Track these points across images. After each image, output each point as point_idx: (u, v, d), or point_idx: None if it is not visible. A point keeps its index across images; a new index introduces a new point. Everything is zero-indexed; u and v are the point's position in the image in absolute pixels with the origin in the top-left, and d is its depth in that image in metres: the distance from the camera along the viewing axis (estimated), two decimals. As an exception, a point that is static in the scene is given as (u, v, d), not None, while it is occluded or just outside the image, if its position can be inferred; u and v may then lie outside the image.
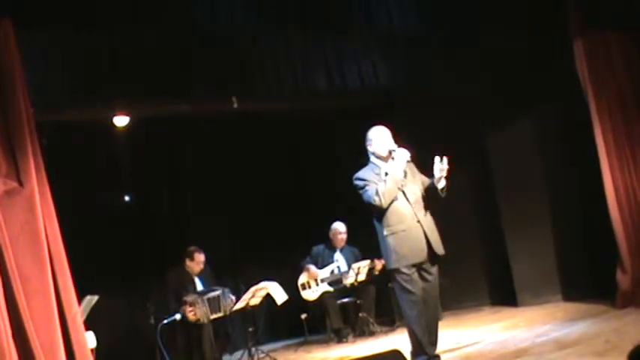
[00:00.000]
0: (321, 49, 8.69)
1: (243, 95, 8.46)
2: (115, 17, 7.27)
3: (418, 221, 6.24)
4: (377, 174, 6.27)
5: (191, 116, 9.16)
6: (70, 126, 8.27)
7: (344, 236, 9.72)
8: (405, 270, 6.17)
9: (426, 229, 6.26)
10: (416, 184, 6.38)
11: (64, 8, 6.93)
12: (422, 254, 6.21)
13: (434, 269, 6.34)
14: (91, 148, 9.11)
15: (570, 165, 8.81)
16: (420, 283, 6.24)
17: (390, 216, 6.21)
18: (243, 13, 8.12)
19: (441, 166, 6.23)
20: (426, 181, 6.43)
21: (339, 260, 9.69)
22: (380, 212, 6.22)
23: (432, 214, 6.50)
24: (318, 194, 10.46)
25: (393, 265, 6.24)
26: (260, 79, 8.33)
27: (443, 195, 6.33)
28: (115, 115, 8.52)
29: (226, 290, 8.44)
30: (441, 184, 6.29)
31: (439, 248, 6.32)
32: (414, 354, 6.23)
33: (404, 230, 6.20)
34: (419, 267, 6.24)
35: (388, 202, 6.16)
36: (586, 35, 7.77)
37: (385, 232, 6.23)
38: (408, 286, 6.17)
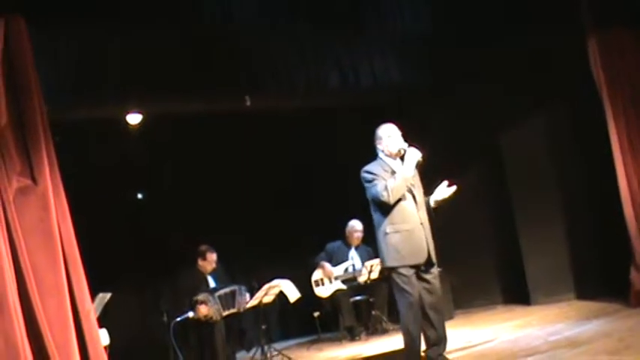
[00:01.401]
0: (334, 48, 8.69)
1: (255, 93, 8.46)
2: (127, 15, 7.28)
3: (421, 223, 6.21)
4: (386, 171, 6.24)
5: (204, 114, 9.18)
6: (83, 124, 8.29)
7: (360, 235, 9.71)
8: (403, 271, 6.11)
9: (426, 232, 6.23)
10: (420, 188, 6.37)
11: (77, 6, 6.95)
12: (422, 256, 6.17)
13: (433, 270, 6.28)
14: (103, 146, 9.15)
15: (583, 163, 8.80)
16: (418, 286, 6.20)
17: (396, 214, 6.16)
18: (255, 11, 8.12)
19: (446, 191, 6.26)
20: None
21: (354, 258, 9.68)
22: (385, 209, 6.16)
23: (445, 214, 6.50)
24: (330, 192, 10.46)
25: (392, 264, 6.16)
26: (272, 77, 8.33)
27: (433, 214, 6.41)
28: (128, 113, 8.54)
29: (242, 288, 8.45)
30: (437, 203, 6.36)
31: (434, 256, 6.26)
32: (406, 354, 6.22)
33: (408, 230, 6.14)
34: (417, 269, 6.21)
35: (396, 199, 6.11)
36: (600, 32, 7.75)
37: (388, 230, 6.17)
38: (407, 287, 6.11)
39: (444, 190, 6.28)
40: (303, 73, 8.48)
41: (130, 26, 7.42)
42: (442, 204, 6.36)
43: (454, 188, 6.29)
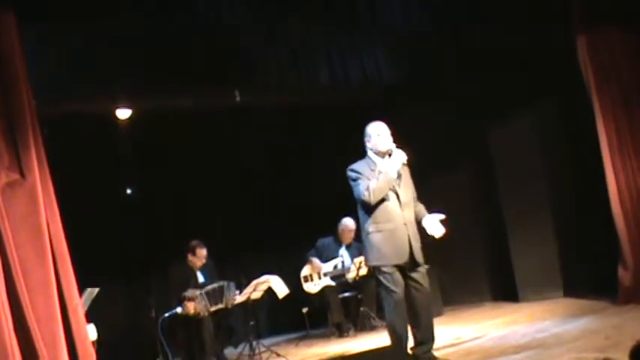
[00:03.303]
0: (324, 44, 8.67)
1: (245, 89, 8.45)
2: (117, 9, 7.26)
3: (405, 224, 6.19)
4: (372, 169, 6.23)
5: (193, 109, 9.16)
6: (72, 118, 8.26)
7: (352, 233, 9.68)
8: (386, 269, 6.13)
9: (410, 233, 6.20)
10: (408, 187, 6.35)
11: (68, 1, 6.92)
12: (404, 256, 6.14)
13: (420, 268, 6.24)
14: (92, 141, 9.11)
15: (572, 161, 8.83)
16: (403, 283, 6.17)
17: (379, 213, 6.15)
18: (245, 6, 8.10)
19: (437, 230, 6.25)
20: (414, 190, 6.42)
21: (344, 256, 9.68)
22: (368, 208, 6.16)
23: (434, 209, 6.50)
24: (320, 188, 10.47)
25: (374, 263, 6.21)
26: (262, 73, 8.32)
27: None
28: (117, 108, 8.52)
29: (231, 284, 8.44)
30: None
31: (419, 256, 6.23)
32: (392, 351, 6.21)
33: (390, 230, 6.14)
34: (400, 268, 6.18)
35: (377, 199, 6.11)
36: (589, 30, 7.74)
37: (371, 229, 6.18)
38: (390, 286, 6.12)
39: (435, 227, 6.27)
40: (294, 69, 8.47)
41: (120, 20, 7.39)
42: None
43: (443, 231, 6.27)
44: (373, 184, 6.11)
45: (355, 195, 6.25)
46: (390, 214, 6.17)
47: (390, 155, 6.25)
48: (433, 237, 6.31)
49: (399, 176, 6.24)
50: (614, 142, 7.70)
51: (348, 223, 9.68)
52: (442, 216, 6.30)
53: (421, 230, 6.33)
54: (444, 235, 6.29)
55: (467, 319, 8.76)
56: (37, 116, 5.74)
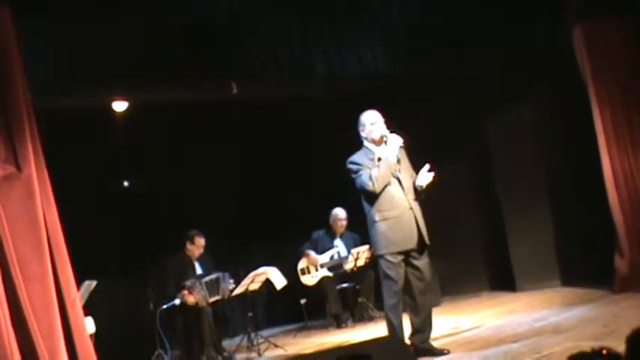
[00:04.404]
0: (321, 36, 8.65)
1: (242, 81, 8.43)
2: (113, 2, 7.24)
3: (410, 208, 6.21)
4: (371, 159, 6.23)
5: (190, 101, 9.14)
6: (68, 111, 8.24)
7: (344, 222, 9.72)
8: (390, 258, 6.14)
9: (417, 215, 6.23)
10: (408, 171, 6.35)
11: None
12: (412, 241, 6.17)
13: (423, 257, 6.29)
14: (89, 133, 9.09)
15: (569, 151, 8.84)
16: (404, 273, 6.19)
17: (383, 201, 6.17)
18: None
19: (426, 177, 6.24)
20: (413, 174, 6.42)
21: (339, 246, 9.69)
22: (372, 197, 6.18)
23: (433, 202, 6.50)
24: (317, 180, 10.46)
25: (382, 251, 6.20)
26: (259, 65, 8.29)
27: (422, 197, 6.35)
28: (113, 100, 8.50)
29: (226, 274, 8.44)
30: (421, 188, 6.31)
31: (426, 237, 6.26)
32: (389, 340, 6.22)
33: (396, 216, 6.16)
34: (407, 255, 6.21)
35: (381, 187, 6.13)
36: (585, 21, 7.75)
37: (377, 218, 6.19)
38: (391, 274, 6.14)
39: (424, 176, 6.26)
40: (291, 61, 8.44)
41: (117, 13, 7.37)
42: (426, 190, 6.34)
43: (432, 174, 6.27)
44: (375, 172, 6.12)
45: (358, 186, 6.25)
46: (394, 200, 6.19)
47: (385, 142, 6.25)
48: (431, 183, 6.27)
49: (398, 161, 6.24)
50: (610, 131, 7.72)
51: (339, 212, 9.70)
52: (427, 166, 6.28)
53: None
54: (434, 180, 6.26)
55: (465, 308, 8.78)
56: (34, 109, 5.73)
